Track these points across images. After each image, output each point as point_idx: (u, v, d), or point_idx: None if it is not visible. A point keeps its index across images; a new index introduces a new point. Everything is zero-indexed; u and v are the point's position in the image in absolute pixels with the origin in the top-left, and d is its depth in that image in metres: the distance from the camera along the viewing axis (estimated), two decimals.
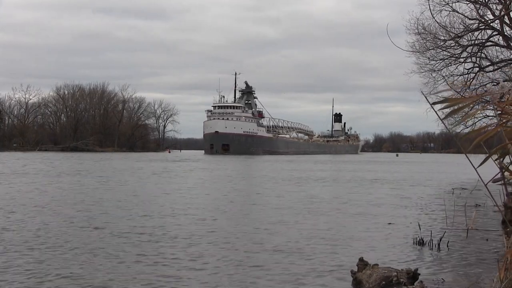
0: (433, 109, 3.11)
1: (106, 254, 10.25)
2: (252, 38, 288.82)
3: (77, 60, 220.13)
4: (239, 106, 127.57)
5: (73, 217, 14.94)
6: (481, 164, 2.78)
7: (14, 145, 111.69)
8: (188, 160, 74.64)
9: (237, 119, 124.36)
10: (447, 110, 2.87)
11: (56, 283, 8.19)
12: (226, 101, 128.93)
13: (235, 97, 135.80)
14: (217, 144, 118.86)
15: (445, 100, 2.92)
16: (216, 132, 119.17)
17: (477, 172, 2.84)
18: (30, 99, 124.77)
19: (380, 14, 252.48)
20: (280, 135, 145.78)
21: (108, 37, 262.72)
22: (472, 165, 2.87)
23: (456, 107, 2.71)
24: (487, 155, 2.78)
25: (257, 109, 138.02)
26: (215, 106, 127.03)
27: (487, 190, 3.14)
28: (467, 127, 22.67)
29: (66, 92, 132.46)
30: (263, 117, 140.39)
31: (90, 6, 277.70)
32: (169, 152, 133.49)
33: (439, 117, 3.21)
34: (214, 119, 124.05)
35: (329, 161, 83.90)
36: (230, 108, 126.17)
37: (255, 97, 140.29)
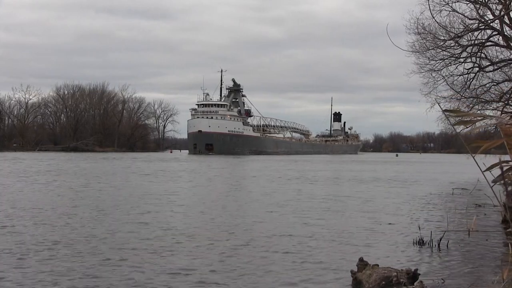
0: (446, 115, 3.17)
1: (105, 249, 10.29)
2: (256, 38, 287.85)
3: (80, 60, 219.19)
4: (223, 105, 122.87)
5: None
6: (488, 169, 2.83)
7: (14, 145, 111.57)
8: (168, 160, 73.93)
9: (221, 117, 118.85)
10: (453, 112, 2.95)
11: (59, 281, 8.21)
12: (211, 99, 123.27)
13: (220, 95, 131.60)
14: (201, 143, 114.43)
15: (456, 111, 3.01)
16: (199, 131, 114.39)
17: (483, 175, 2.90)
18: (30, 99, 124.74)
19: (384, 14, 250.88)
20: (270, 135, 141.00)
21: (111, 37, 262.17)
22: (480, 168, 2.92)
23: (467, 119, 2.77)
24: (491, 158, 2.85)
25: (245, 108, 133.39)
26: (199, 104, 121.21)
27: (487, 191, 3.19)
28: (467, 127, 22.61)
29: (66, 92, 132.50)
30: (251, 116, 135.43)
31: (94, 6, 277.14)
32: (171, 152, 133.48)
33: (451, 125, 3.27)
34: (198, 117, 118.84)
35: (320, 161, 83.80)
36: (215, 106, 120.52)
37: (243, 95, 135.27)
